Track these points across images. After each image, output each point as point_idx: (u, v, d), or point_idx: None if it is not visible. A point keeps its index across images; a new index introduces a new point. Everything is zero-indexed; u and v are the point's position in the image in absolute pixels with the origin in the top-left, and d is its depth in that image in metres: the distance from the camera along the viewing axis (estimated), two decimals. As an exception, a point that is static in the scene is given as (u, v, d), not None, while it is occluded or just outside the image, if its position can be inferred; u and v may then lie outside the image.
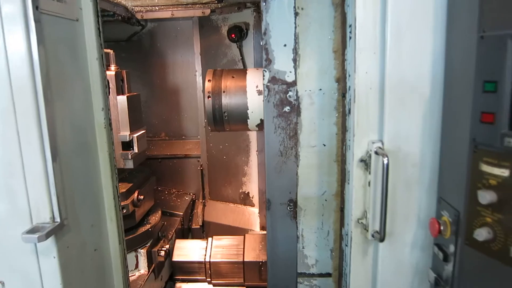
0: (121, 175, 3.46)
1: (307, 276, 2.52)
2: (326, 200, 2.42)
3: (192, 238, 4.68)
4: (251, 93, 2.60)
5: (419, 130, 1.81)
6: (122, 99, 3.10)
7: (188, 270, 3.81)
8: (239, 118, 2.63)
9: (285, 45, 2.21)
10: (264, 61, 2.25)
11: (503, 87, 1.38)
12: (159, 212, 3.79)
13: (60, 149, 1.48)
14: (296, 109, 2.28)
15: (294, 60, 2.22)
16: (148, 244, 3.37)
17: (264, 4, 2.19)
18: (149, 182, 3.69)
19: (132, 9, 4.03)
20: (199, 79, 4.68)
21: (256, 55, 4.06)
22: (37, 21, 1.31)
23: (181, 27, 4.64)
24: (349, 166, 2.06)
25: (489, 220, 1.48)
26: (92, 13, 1.68)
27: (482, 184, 1.50)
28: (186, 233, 4.61)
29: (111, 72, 3.08)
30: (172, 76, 4.84)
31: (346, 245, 2.13)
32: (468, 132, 1.53)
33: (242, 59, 4.18)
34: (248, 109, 2.61)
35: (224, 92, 2.62)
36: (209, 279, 3.80)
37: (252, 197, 4.66)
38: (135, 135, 3.19)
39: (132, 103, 3.19)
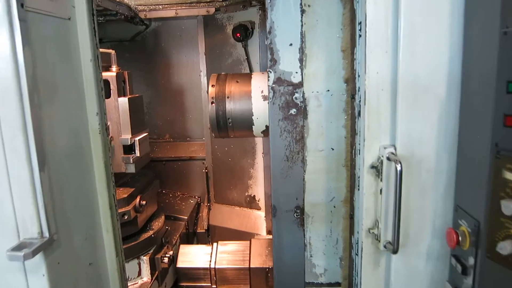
0: (123, 179, 3.38)
1: (315, 286, 2.42)
2: (334, 206, 2.31)
3: (197, 242, 4.60)
4: (256, 99, 2.50)
5: (434, 134, 1.70)
6: (123, 101, 3.01)
7: (192, 276, 3.72)
8: (244, 124, 2.54)
9: (291, 44, 2.10)
10: (269, 61, 2.14)
11: (530, 88, 1.25)
12: (163, 217, 3.70)
13: (49, 157, 1.38)
14: (302, 111, 2.17)
15: (301, 60, 2.12)
16: (151, 250, 3.28)
17: (269, 1, 2.09)
18: (152, 186, 3.60)
19: (136, 8, 3.95)
20: (203, 79, 4.59)
21: (261, 54, 3.96)
22: (22, 19, 1.22)
23: (185, 26, 4.56)
24: (359, 172, 1.95)
25: (514, 233, 1.35)
26: (86, 11, 1.59)
27: (505, 193, 1.38)
28: (191, 237, 4.52)
29: (112, 73, 3.00)
30: (177, 76, 4.76)
31: (357, 254, 2.02)
32: (490, 136, 1.42)
33: (248, 59, 4.08)
34: (253, 115, 2.51)
35: (228, 97, 2.53)
36: (215, 286, 3.71)
37: (258, 201, 4.56)
38: (137, 138, 3.10)
39: (134, 105, 3.10)
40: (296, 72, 2.13)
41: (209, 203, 4.85)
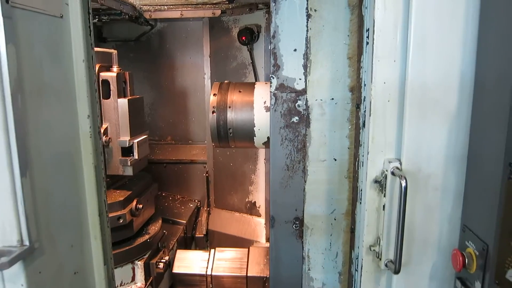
0: (120, 182, 3.31)
1: (312, 300, 2.33)
2: (335, 219, 2.23)
3: (196, 247, 4.52)
4: (258, 109, 2.44)
5: (443, 149, 1.61)
6: (123, 102, 2.95)
7: (188, 283, 3.64)
8: (245, 135, 2.48)
9: (295, 50, 2.03)
10: (272, 66, 2.07)
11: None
12: (160, 221, 3.63)
13: (34, 162, 1.31)
14: (305, 119, 2.09)
15: (305, 66, 2.04)
16: (146, 255, 3.21)
17: (273, 4, 2.02)
18: (150, 190, 3.53)
19: (140, 8, 3.90)
20: (207, 82, 4.53)
21: (267, 59, 3.89)
22: (7, 16, 1.15)
23: (191, 27, 4.52)
24: (361, 185, 1.87)
25: (526, 261, 1.26)
26: (80, 9, 1.52)
27: (517, 217, 1.28)
28: (190, 242, 4.45)
29: (112, 73, 2.94)
30: (181, 78, 4.71)
31: (356, 270, 1.93)
32: (503, 155, 1.32)
33: (253, 63, 4.01)
34: (254, 126, 2.45)
35: (229, 107, 2.47)
36: (210, 293, 3.62)
37: (259, 207, 4.48)
38: (136, 141, 3.04)
39: (133, 107, 3.04)
40: (300, 79, 2.05)
41: (208, 208, 4.78)
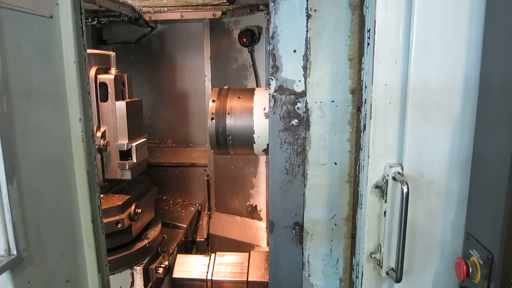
0: (119, 186, 3.27)
1: (312, 307, 2.27)
2: (336, 224, 2.17)
3: (197, 251, 4.47)
4: (258, 116, 2.40)
5: (446, 153, 1.55)
6: (121, 105, 2.91)
7: (188, 288, 3.59)
8: (245, 142, 2.45)
9: (294, 51, 1.98)
10: (271, 68, 2.02)
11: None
12: (159, 225, 3.58)
13: (22, 168, 1.26)
14: (305, 122, 2.04)
15: (305, 68, 1.99)
16: (145, 260, 3.16)
17: (272, 4, 1.97)
18: (149, 194, 3.49)
19: (140, 9, 3.87)
20: (208, 84, 4.49)
21: (267, 60, 3.84)
22: (-9, 16, 1.11)
23: (191, 29, 4.49)
24: (362, 189, 1.82)
25: (534, 272, 1.20)
26: (71, 10, 1.48)
27: (524, 225, 1.22)
28: (190, 246, 4.40)
29: (110, 76, 2.90)
30: (181, 80, 4.68)
31: (357, 277, 1.87)
32: (509, 159, 1.26)
33: (253, 65, 3.96)
34: (254, 133, 2.41)
35: (229, 114, 2.44)
36: (210, 298, 3.57)
37: (260, 211, 4.43)
38: (134, 144, 3.00)
39: (132, 110, 3.00)
40: (299, 81, 2.00)
41: (209, 211, 4.73)
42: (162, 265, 3.29)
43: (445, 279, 1.64)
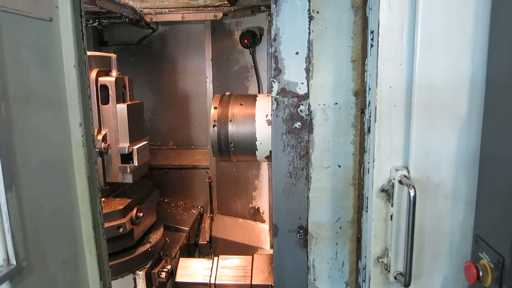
0: (120, 189, 3.24)
1: (318, 311, 2.25)
2: (340, 227, 2.15)
3: (199, 254, 4.45)
4: (260, 123, 2.39)
5: (453, 156, 1.53)
6: (122, 108, 2.89)
7: (191, 291, 3.57)
8: (247, 149, 2.45)
9: (297, 53, 1.96)
10: (273, 70, 2.00)
11: None
12: (161, 229, 3.56)
13: (21, 175, 1.24)
14: (308, 125, 2.02)
15: (307, 70, 1.97)
16: (148, 265, 3.13)
17: (274, 6, 1.95)
18: (151, 197, 3.46)
19: (141, 11, 3.85)
20: (209, 86, 4.47)
21: (269, 62, 3.81)
22: (-12, 20, 1.09)
23: (193, 31, 4.47)
24: (367, 192, 1.80)
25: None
26: (71, 12, 1.45)
27: (535, 229, 1.20)
28: (193, 249, 4.38)
29: (111, 78, 2.88)
30: (182, 82, 4.66)
31: (364, 281, 1.85)
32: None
33: (255, 66, 3.94)
34: (256, 140, 2.40)
35: (231, 121, 2.43)
36: (214, 302, 3.54)
37: (263, 213, 4.40)
38: (136, 147, 2.97)
39: (133, 112, 2.98)
40: (302, 83, 1.98)
41: (212, 214, 4.70)
42: (164, 269, 3.26)
43: (454, 282, 1.62)
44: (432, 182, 1.54)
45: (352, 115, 2.01)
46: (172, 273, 3.50)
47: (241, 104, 2.50)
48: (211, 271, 3.60)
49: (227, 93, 2.67)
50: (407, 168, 1.55)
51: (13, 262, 1.19)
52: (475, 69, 1.45)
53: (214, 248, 4.49)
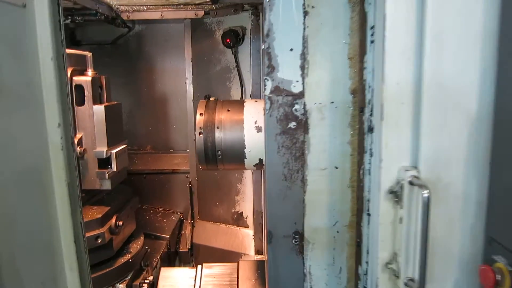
0: (97, 197, 3.03)
1: (316, 321, 2.15)
2: (338, 232, 2.06)
3: (180, 262, 4.27)
4: (249, 130, 2.29)
5: (463, 155, 1.47)
6: (99, 110, 2.70)
7: (174, 303, 3.38)
8: (235, 157, 2.35)
9: (291, 50, 1.86)
10: (266, 67, 1.90)
11: None
12: (142, 237, 3.36)
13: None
14: (303, 125, 1.92)
15: (302, 68, 1.88)
16: (128, 277, 2.94)
17: (267, 1, 1.84)
18: (131, 204, 3.27)
19: (117, 8, 3.65)
20: (189, 87, 4.32)
21: (253, 62, 3.71)
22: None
23: (171, 30, 4.31)
24: (368, 195, 1.71)
25: None
26: (47, -2, 1.28)
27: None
28: (173, 257, 4.20)
29: (87, 78, 2.68)
30: (161, 83, 4.49)
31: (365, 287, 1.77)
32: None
33: (237, 67, 3.82)
34: (245, 147, 2.27)
35: (218, 127, 2.30)
36: (198, 314, 3.38)
37: (246, 218, 4.28)
38: (114, 151, 2.78)
39: (111, 114, 2.79)
40: (297, 81, 1.88)
41: (192, 220, 4.54)
42: (146, 281, 3.08)
43: (464, 285, 1.56)
44: (443, 182, 1.48)
45: (349, 114, 1.93)
46: (153, 285, 3.31)
47: (228, 110, 2.39)
48: (195, 280, 3.44)
49: (212, 99, 2.57)
50: (416, 168, 1.48)
51: (-15, 288, 1.01)
52: (487, 63, 1.40)
53: (195, 256, 4.33)
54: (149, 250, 3.52)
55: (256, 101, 2.51)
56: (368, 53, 1.69)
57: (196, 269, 3.55)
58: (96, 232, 2.67)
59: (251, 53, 3.71)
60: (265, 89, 1.89)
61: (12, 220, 1.17)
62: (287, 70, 1.86)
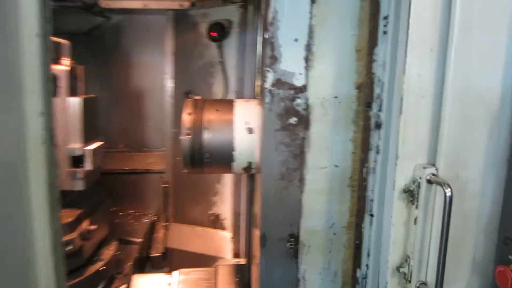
0: (68, 198, 2.76)
1: (309, 329, 2.04)
2: (334, 233, 1.98)
3: (153, 268, 4.03)
4: (239, 132, 2.14)
5: (483, 153, 1.41)
6: (76, 102, 2.47)
7: (149, 312, 3.16)
8: (223, 160, 2.19)
9: (296, 40, 1.76)
10: (269, 58, 1.78)
11: None
12: (114, 243, 3.10)
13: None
14: (304, 121, 1.82)
15: (306, 59, 1.77)
16: (101, 286, 2.68)
17: (272, -13, 1.73)
18: (104, 206, 3.01)
19: (96, -6, 3.39)
20: (167, 82, 4.11)
21: (239, 58, 3.57)
22: None
23: (151, 22, 4.10)
24: (372, 195, 1.67)
25: None
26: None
27: None
28: (145, 263, 3.95)
29: (63, 67, 2.45)
30: (137, 78, 4.27)
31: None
32: None
33: (222, 61, 3.67)
34: (234, 150, 2.13)
35: (207, 129, 2.15)
36: (175, 323, 3.17)
37: (224, 220, 4.12)
38: (89, 148, 2.55)
39: (88, 108, 2.56)
40: (300, 74, 1.78)
41: (166, 223, 4.32)
42: (119, 290, 2.84)
43: (477, 287, 1.50)
44: (461, 181, 1.42)
45: (353, 110, 1.85)
46: (126, 294, 3.07)
47: (217, 110, 2.24)
48: (171, 287, 3.24)
49: (197, 97, 2.41)
50: (434, 165, 1.41)
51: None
52: (509, 59, 1.35)
53: (169, 261, 4.11)
54: (122, 256, 3.27)
55: (246, 100, 2.38)
56: (380, 45, 1.61)
57: (172, 275, 3.35)
58: (67, 237, 2.41)
59: (238, 48, 3.58)
60: (265, 81, 1.77)
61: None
62: (291, 62, 1.76)
